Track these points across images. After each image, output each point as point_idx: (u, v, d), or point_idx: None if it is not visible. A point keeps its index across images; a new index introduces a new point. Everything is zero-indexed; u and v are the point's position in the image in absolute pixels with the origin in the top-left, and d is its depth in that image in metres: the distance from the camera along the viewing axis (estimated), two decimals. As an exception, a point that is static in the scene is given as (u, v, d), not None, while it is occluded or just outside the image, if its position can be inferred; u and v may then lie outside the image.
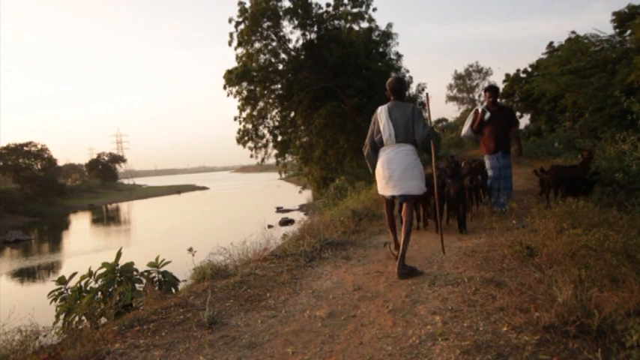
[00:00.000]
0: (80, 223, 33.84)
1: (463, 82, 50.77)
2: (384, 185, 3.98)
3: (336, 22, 20.02)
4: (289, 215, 22.70)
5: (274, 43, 19.60)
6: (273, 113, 21.50)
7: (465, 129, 6.36)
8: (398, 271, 3.63)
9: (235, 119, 21.12)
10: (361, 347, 2.38)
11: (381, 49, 21.14)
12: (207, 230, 20.32)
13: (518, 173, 13.12)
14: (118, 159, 69.86)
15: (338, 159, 20.21)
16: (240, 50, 19.66)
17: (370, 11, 20.19)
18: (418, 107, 4.96)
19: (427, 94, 4.58)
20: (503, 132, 6.05)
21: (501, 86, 27.83)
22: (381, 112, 3.99)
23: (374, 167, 4.18)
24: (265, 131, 21.43)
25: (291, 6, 18.78)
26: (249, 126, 21.05)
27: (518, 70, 29.17)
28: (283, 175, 26.94)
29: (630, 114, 5.78)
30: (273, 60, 19.85)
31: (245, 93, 20.18)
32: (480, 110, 6.24)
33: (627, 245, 3.04)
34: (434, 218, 5.47)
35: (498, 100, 6.40)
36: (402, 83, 4.14)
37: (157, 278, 4.26)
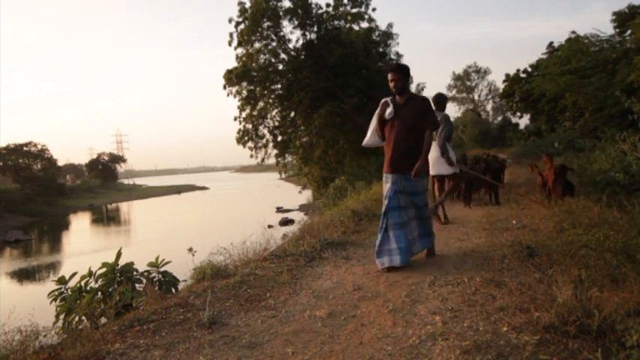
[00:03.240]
0: (80, 223, 33.84)
1: (462, 83, 50.81)
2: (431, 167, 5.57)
3: (336, 22, 20.04)
4: (289, 215, 22.69)
5: (274, 43, 19.61)
6: (273, 113, 21.51)
7: (369, 134, 4.15)
8: (432, 209, 5.21)
9: (235, 119, 21.13)
10: (361, 347, 2.38)
11: (381, 49, 21.15)
12: (207, 230, 20.31)
13: (517, 173, 13.15)
14: (118, 159, 69.86)
15: (338, 159, 20.22)
16: (240, 50, 19.69)
17: (370, 11, 20.22)
18: (447, 117, 5.95)
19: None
20: (414, 138, 3.80)
21: (501, 86, 27.85)
22: None
23: None
24: (265, 131, 21.46)
25: (291, 6, 18.79)
26: (249, 126, 21.06)
27: (518, 70, 29.23)
28: (283, 175, 26.95)
29: (630, 114, 5.78)
30: (273, 60, 19.86)
31: (245, 93, 20.19)
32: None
33: (627, 245, 3.04)
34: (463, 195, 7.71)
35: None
36: (443, 98, 5.96)
37: (156, 278, 4.26)
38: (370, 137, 4.09)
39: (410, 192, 3.82)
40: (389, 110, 3.81)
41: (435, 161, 5.71)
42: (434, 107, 5.48)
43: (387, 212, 3.77)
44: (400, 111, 3.81)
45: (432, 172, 5.75)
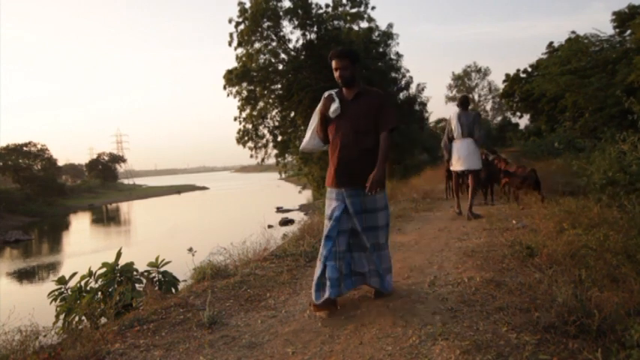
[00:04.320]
0: (80, 223, 33.84)
1: (462, 83, 50.85)
2: (456, 163, 6.21)
3: (336, 22, 20.05)
4: (289, 215, 22.68)
5: (274, 44, 19.62)
6: (273, 113, 21.51)
7: (307, 135, 3.20)
8: (468, 215, 6.13)
9: (235, 119, 21.12)
10: (361, 347, 2.38)
11: (381, 49, 21.15)
12: (207, 230, 20.30)
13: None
14: (118, 159, 69.86)
15: (338, 159, 20.21)
16: (240, 50, 19.69)
17: (369, 11, 20.22)
18: (479, 115, 6.55)
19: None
20: (365, 141, 2.92)
21: (501, 86, 27.87)
22: (453, 117, 6.21)
23: (450, 152, 6.32)
24: (265, 131, 21.45)
25: (291, 6, 18.80)
26: (249, 126, 21.06)
27: (518, 70, 29.25)
28: (283, 175, 26.96)
29: (630, 114, 5.77)
30: (273, 60, 19.87)
31: (245, 93, 20.19)
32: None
33: (627, 245, 3.04)
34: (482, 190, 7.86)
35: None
36: (468, 100, 6.46)
37: (156, 278, 4.26)
38: (309, 140, 3.16)
39: (361, 211, 2.92)
40: (334, 107, 2.93)
41: (468, 157, 6.10)
42: (459, 108, 6.26)
43: (330, 238, 2.88)
44: (348, 108, 2.94)
45: (463, 167, 6.15)
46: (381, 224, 2.96)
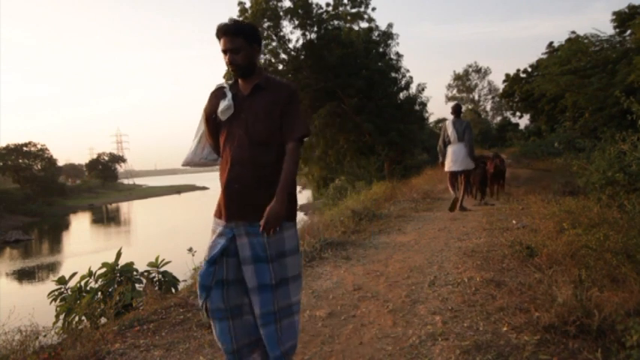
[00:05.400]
0: (80, 224, 33.84)
1: (462, 83, 50.88)
2: (451, 165, 6.88)
3: (336, 22, 20.03)
4: (289, 215, 22.63)
5: (274, 43, 19.60)
6: (273, 113, 21.51)
7: (192, 146, 2.29)
8: (458, 209, 6.87)
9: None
10: (361, 347, 2.38)
11: (381, 49, 21.13)
12: (207, 230, 20.24)
13: (518, 173, 13.13)
14: (117, 159, 69.85)
15: (338, 159, 20.22)
16: (240, 50, 19.67)
17: (369, 11, 20.20)
18: (469, 123, 7.18)
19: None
20: (266, 155, 2.03)
21: (501, 86, 27.87)
22: (449, 124, 6.99)
23: (444, 156, 7.00)
24: (265, 131, 21.43)
25: (292, 6, 18.79)
26: (249, 126, 21.06)
27: (518, 70, 29.24)
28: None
29: (630, 114, 5.77)
30: (273, 60, 19.86)
31: (245, 93, 20.20)
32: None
33: (627, 245, 3.04)
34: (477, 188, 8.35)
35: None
36: (460, 107, 7.22)
37: (156, 278, 4.26)
38: (195, 150, 2.26)
39: (261, 258, 1.97)
40: (224, 105, 2.03)
41: (461, 159, 6.82)
42: (453, 116, 7.00)
43: (205, 288, 1.99)
44: (243, 107, 2.04)
45: (457, 168, 6.86)
46: (291, 275, 2.02)
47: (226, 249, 2.01)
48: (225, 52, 2.01)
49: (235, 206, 2.02)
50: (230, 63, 2.01)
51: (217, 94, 2.10)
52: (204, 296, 2.00)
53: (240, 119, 2.03)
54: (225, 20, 2.05)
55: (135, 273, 4.19)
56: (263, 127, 2.01)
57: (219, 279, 2.00)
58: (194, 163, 2.30)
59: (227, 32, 1.98)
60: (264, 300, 1.95)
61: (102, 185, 61.18)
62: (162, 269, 4.31)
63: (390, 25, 21.29)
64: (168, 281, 4.25)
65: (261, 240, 1.96)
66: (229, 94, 2.06)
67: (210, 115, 2.11)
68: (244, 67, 2.03)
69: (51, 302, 4.08)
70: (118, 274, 4.09)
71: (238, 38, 1.99)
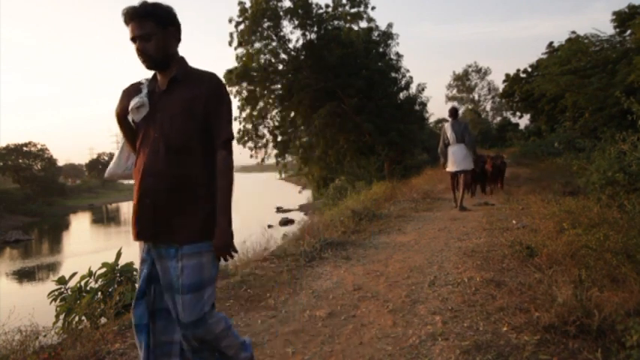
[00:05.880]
0: (80, 224, 33.85)
1: (462, 83, 50.88)
2: (451, 165, 7.15)
3: (336, 22, 20.04)
4: (289, 215, 22.69)
5: (274, 43, 19.60)
6: (273, 113, 21.50)
7: (115, 156, 2.01)
8: (459, 208, 7.08)
9: (235, 119, 21.09)
10: (361, 347, 2.38)
11: (381, 49, 21.13)
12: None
13: (518, 173, 13.14)
14: (118, 159, 69.72)
15: (338, 159, 20.22)
16: (240, 50, 19.67)
17: (369, 11, 20.19)
18: (467, 124, 7.48)
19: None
20: (185, 163, 1.70)
21: (501, 86, 27.89)
22: (447, 126, 7.22)
23: (445, 157, 7.24)
24: (265, 131, 21.43)
25: (292, 6, 18.79)
26: (249, 126, 21.05)
27: (518, 70, 29.26)
28: (283, 175, 26.97)
29: (630, 114, 5.78)
30: (273, 60, 19.85)
31: (245, 93, 20.18)
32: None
33: (627, 245, 3.04)
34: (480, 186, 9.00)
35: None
36: (457, 110, 7.50)
37: (157, 278, 4.25)
38: (117, 162, 1.97)
39: (170, 286, 1.70)
40: (135, 102, 1.75)
41: (461, 159, 7.07)
42: (450, 119, 7.32)
43: (140, 329, 1.73)
44: (159, 104, 1.75)
45: (457, 168, 7.09)
46: (207, 309, 1.69)
47: (150, 276, 1.73)
48: (134, 39, 1.70)
49: (146, 225, 1.70)
50: (141, 52, 1.69)
51: (130, 91, 1.81)
52: (146, 339, 1.70)
53: (156, 120, 1.72)
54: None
55: (135, 273, 4.18)
56: (180, 128, 1.69)
57: (144, 303, 1.73)
58: (117, 175, 1.99)
59: (134, 16, 1.67)
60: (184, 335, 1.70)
61: (102, 185, 61.10)
62: (162, 269, 4.30)
63: (389, 25, 21.30)
64: (168, 281, 4.24)
65: (175, 265, 1.67)
66: (145, 90, 1.78)
67: (123, 117, 1.81)
68: (157, 57, 1.71)
69: (51, 302, 4.08)
70: (118, 274, 4.08)
71: (148, 22, 1.67)
